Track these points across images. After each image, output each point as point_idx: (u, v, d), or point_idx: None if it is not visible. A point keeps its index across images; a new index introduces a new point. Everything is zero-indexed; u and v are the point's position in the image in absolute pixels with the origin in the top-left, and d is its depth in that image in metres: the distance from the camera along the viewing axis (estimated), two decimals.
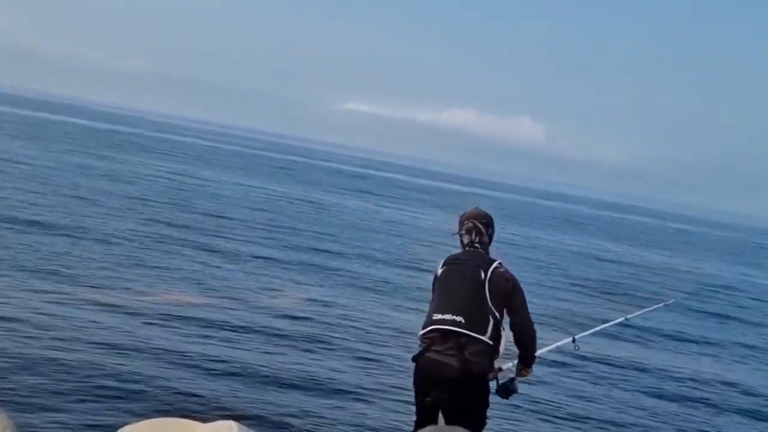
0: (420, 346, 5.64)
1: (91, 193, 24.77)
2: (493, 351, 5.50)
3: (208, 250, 18.07)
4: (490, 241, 5.94)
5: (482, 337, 5.41)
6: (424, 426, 5.63)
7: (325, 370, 10.28)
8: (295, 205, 34.40)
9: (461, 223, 5.94)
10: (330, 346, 11.56)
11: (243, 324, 11.93)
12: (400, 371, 10.67)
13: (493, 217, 6.03)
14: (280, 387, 9.27)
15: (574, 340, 6.96)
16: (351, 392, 9.62)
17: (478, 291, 5.52)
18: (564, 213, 79.18)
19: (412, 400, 5.65)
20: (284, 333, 11.81)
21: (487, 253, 5.87)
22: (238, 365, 9.87)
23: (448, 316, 5.46)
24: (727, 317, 22.94)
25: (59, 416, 7.41)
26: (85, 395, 8.08)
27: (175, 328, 11.20)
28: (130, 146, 57.82)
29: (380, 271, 19.86)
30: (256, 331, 11.60)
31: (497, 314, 5.50)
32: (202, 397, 8.55)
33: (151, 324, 11.15)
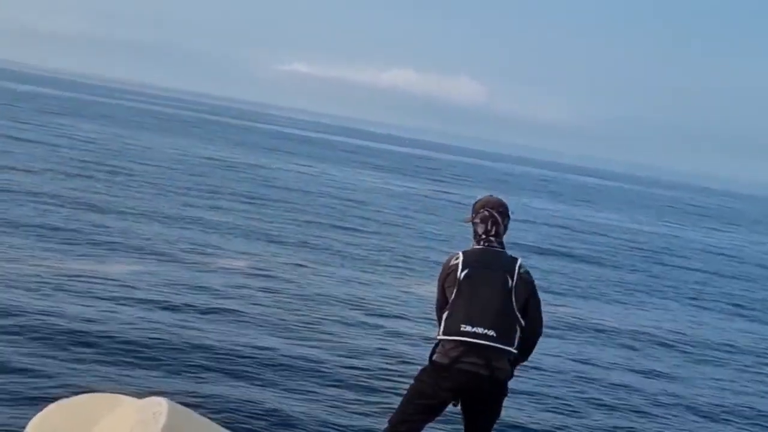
0: (441, 349, 5.45)
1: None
2: (516, 358, 5.49)
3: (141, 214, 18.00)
4: (505, 230, 5.72)
5: (511, 349, 5.38)
6: (419, 423, 5.55)
7: (257, 346, 10.16)
8: (234, 170, 34.16)
9: (476, 211, 5.70)
10: (264, 319, 11.42)
11: (179, 295, 11.85)
12: (330, 343, 10.76)
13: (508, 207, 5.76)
14: (218, 364, 9.16)
15: None
16: (283, 367, 9.55)
17: (507, 301, 5.40)
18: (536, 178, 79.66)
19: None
20: (221, 306, 11.69)
21: (502, 245, 5.67)
22: (176, 339, 9.79)
23: (479, 330, 5.34)
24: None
25: None
26: (18, 368, 8.03)
27: (110, 299, 11.14)
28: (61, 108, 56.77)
29: (323, 233, 19.85)
30: (194, 306, 11.47)
31: (522, 320, 5.45)
32: (137, 373, 8.47)
33: (84, 295, 11.05)
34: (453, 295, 5.48)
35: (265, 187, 29.08)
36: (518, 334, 5.40)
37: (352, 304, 13.05)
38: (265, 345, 10.15)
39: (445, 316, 5.48)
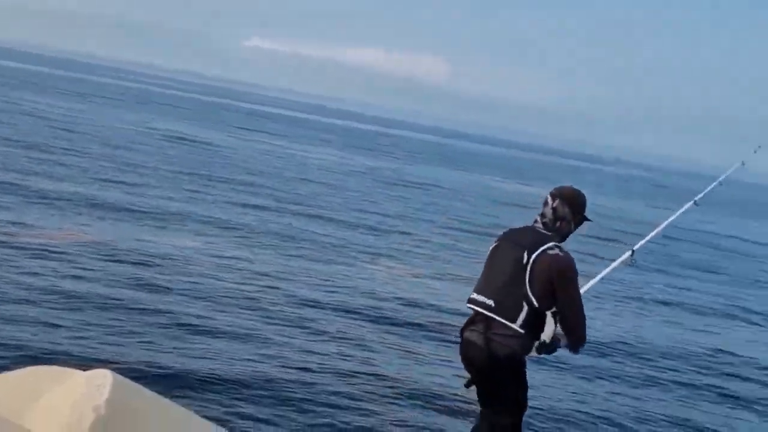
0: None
1: None
2: (527, 339, 5.20)
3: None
4: (566, 223, 5.47)
5: (512, 325, 5.15)
6: (480, 403, 5.54)
7: (199, 316, 10.20)
8: (190, 147, 33.89)
9: (548, 198, 5.52)
10: (206, 291, 11.41)
11: (128, 269, 11.82)
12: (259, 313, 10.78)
13: (584, 201, 5.53)
14: (165, 336, 9.18)
15: (632, 253, 6.47)
16: (223, 334, 9.61)
17: (517, 274, 5.19)
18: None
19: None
20: (159, 278, 11.68)
21: (557, 234, 5.42)
22: (122, 311, 9.79)
23: (481, 298, 5.31)
24: None
25: None
26: None
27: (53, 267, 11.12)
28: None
29: (279, 217, 19.77)
30: (135, 276, 11.46)
31: (535, 302, 5.16)
32: (84, 344, 8.45)
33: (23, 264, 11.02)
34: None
35: (216, 165, 28.88)
36: (525, 311, 5.15)
37: (280, 279, 12.99)
38: (218, 318, 10.17)
39: None
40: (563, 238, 5.45)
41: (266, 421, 7.36)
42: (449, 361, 9.86)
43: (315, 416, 7.67)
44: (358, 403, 8.16)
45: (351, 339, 10.27)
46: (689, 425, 9.32)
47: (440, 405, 8.44)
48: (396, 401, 8.36)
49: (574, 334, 5.28)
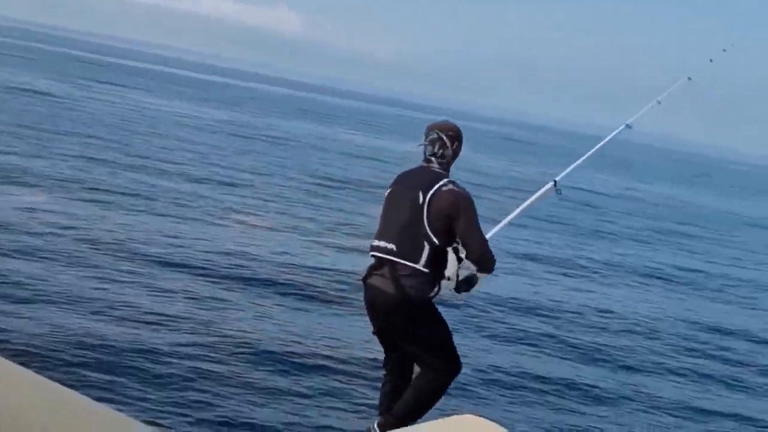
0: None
1: None
2: (433, 277, 5.27)
3: None
4: (455, 156, 5.60)
5: (415, 265, 5.21)
6: (387, 355, 5.60)
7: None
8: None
9: (426, 134, 5.59)
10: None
11: None
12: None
13: (461, 132, 5.60)
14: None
15: (555, 184, 6.44)
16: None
17: (414, 215, 5.25)
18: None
19: None
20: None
21: (447, 169, 5.53)
22: None
23: (382, 243, 5.32)
24: None
25: None
26: None
27: None
28: None
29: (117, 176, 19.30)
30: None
31: (435, 240, 5.24)
32: None
33: None
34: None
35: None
36: (427, 250, 5.21)
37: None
38: (58, 279, 9.82)
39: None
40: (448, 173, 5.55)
41: (108, 389, 7.04)
42: (305, 313, 9.99)
43: (161, 386, 7.32)
44: (208, 365, 7.94)
45: (199, 297, 10.01)
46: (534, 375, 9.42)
47: (294, 361, 8.35)
48: (246, 362, 8.18)
49: (483, 256, 5.35)
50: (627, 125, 7.15)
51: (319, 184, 22.20)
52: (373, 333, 5.55)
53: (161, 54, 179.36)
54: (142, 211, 14.65)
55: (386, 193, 5.55)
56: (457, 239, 5.33)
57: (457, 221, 5.27)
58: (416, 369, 5.54)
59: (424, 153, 5.56)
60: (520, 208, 6.31)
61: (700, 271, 18.52)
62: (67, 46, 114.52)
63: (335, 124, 53.18)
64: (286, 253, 13.23)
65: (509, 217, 6.23)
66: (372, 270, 5.40)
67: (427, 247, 5.24)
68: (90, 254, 11.14)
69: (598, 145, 6.92)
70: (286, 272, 11.95)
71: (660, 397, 9.12)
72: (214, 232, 13.85)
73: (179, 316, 9.21)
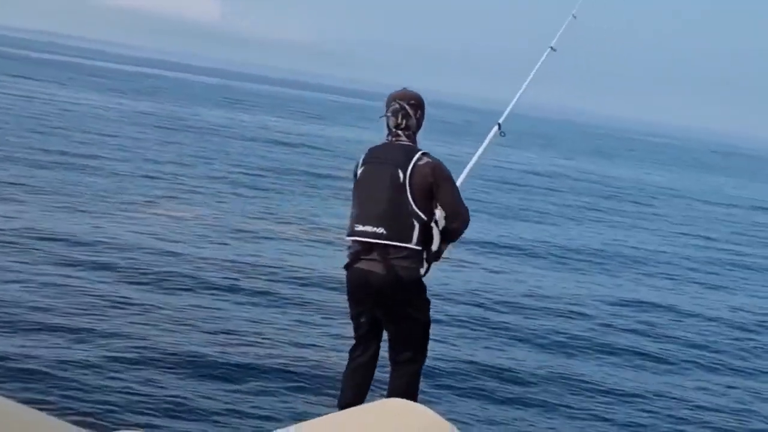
0: (348, 252, 5.43)
1: None
2: (422, 255, 5.29)
3: None
4: (419, 125, 5.55)
5: (409, 245, 5.20)
6: (365, 341, 5.51)
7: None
8: None
9: (387, 105, 5.53)
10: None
11: None
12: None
13: (423, 100, 5.58)
14: None
15: (499, 127, 6.44)
16: None
17: (398, 195, 5.20)
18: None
19: None
20: None
21: (414, 140, 5.50)
22: None
23: (369, 228, 5.22)
24: None
25: None
26: None
27: None
28: None
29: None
30: None
31: (423, 216, 5.23)
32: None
33: None
34: (353, 194, 5.43)
35: None
36: (417, 228, 5.21)
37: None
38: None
39: (349, 215, 5.45)
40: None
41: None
42: (236, 307, 9.77)
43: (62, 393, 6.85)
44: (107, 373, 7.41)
45: (110, 298, 9.54)
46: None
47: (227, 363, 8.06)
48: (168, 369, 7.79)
49: (467, 222, 5.40)
50: (551, 48, 7.03)
51: (244, 174, 21.91)
52: (353, 318, 5.51)
53: (77, 45, 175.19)
54: (60, 207, 14.30)
55: (359, 173, 5.44)
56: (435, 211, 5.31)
57: (440, 191, 5.28)
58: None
59: (387, 125, 5.51)
60: (475, 157, 6.34)
61: (623, 245, 18.82)
62: None
63: (260, 111, 52.70)
64: (210, 245, 13.05)
65: (467, 169, 6.25)
66: (358, 255, 5.32)
67: (417, 226, 5.23)
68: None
69: (528, 79, 6.91)
70: (208, 266, 11.68)
71: (586, 376, 9.15)
72: (137, 228, 13.52)
73: (97, 318, 8.84)
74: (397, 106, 5.49)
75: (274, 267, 12.05)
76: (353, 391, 5.50)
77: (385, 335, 5.64)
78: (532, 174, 34.63)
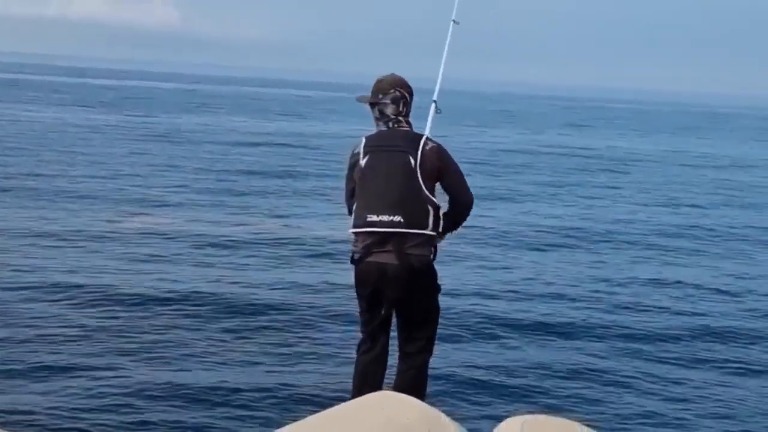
0: (354, 245, 5.35)
1: None
2: (434, 237, 5.30)
3: None
4: (410, 111, 5.52)
5: (425, 231, 5.20)
6: (374, 337, 5.44)
7: None
8: None
9: (383, 91, 5.43)
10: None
11: None
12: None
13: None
14: None
15: (435, 103, 6.26)
16: None
17: (412, 181, 5.18)
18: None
19: None
20: None
21: (410, 124, 5.47)
22: None
23: (384, 217, 5.15)
24: None
25: None
26: None
27: None
28: None
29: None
30: None
31: (435, 200, 5.26)
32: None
33: None
34: (358, 184, 5.32)
35: None
36: (431, 212, 5.23)
37: None
38: None
39: (354, 207, 5.33)
40: None
41: None
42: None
43: None
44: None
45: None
46: None
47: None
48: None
49: (469, 197, 5.43)
50: (453, 21, 6.76)
51: (221, 179, 21.73)
52: (364, 312, 5.45)
53: (34, 63, 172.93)
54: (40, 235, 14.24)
55: (362, 163, 5.34)
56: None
57: (447, 174, 5.33)
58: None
59: (383, 112, 5.43)
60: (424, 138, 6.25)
61: (597, 221, 18.65)
62: None
63: (224, 112, 52.39)
64: (187, 257, 12.96)
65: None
66: (369, 247, 5.26)
67: (431, 210, 5.23)
68: None
69: (445, 50, 6.75)
70: (189, 280, 11.56)
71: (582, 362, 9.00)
72: (111, 245, 13.36)
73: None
74: (398, 93, 5.45)
75: (255, 279, 11.78)
76: (370, 387, 5.31)
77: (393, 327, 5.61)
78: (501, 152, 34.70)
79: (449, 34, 6.71)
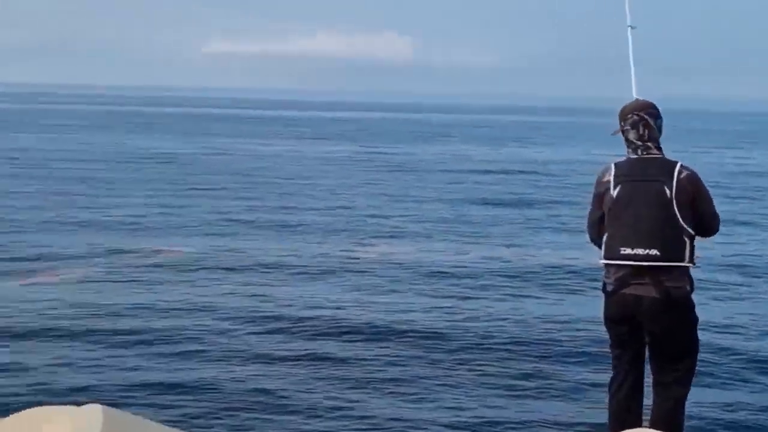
0: (605, 276, 5.27)
1: None
2: (689, 268, 5.15)
3: None
4: (660, 133, 5.35)
5: (682, 264, 5.07)
6: (627, 373, 5.33)
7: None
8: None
9: (623, 118, 5.35)
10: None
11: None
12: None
13: (658, 107, 5.38)
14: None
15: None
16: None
17: (666, 212, 5.04)
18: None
19: None
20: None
21: (660, 149, 5.30)
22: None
23: (640, 251, 5.03)
24: None
25: None
26: None
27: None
28: None
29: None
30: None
31: (691, 230, 5.10)
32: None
33: None
34: (608, 214, 5.23)
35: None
36: (688, 244, 5.08)
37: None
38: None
39: (605, 238, 5.24)
40: None
41: None
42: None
43: None
44: None
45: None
46: None
47: None
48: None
49: (718, 226, 5.33)
50: (630, 26, 6.26)
51: (454, 208, 21.75)
52: (616, 346, 5.33)
53: (279, 99, 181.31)
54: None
55: (614, 194, 5.20)
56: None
57: (700, 202, 5.16)
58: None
59: (628, 139, 5.30)
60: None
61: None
62: (180, 105, 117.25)
63: (459, 140, 52.57)
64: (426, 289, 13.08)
65: None
66: (626, 280, 5.13)
67: (687, 242, 5.08)
68: None
69: (630, 58, 6.15)
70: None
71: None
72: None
73: None
74: (636, 117, 5.30)
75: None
76: (627, 425, 5.13)
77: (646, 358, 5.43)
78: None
79: (629, 41, 6.29)
